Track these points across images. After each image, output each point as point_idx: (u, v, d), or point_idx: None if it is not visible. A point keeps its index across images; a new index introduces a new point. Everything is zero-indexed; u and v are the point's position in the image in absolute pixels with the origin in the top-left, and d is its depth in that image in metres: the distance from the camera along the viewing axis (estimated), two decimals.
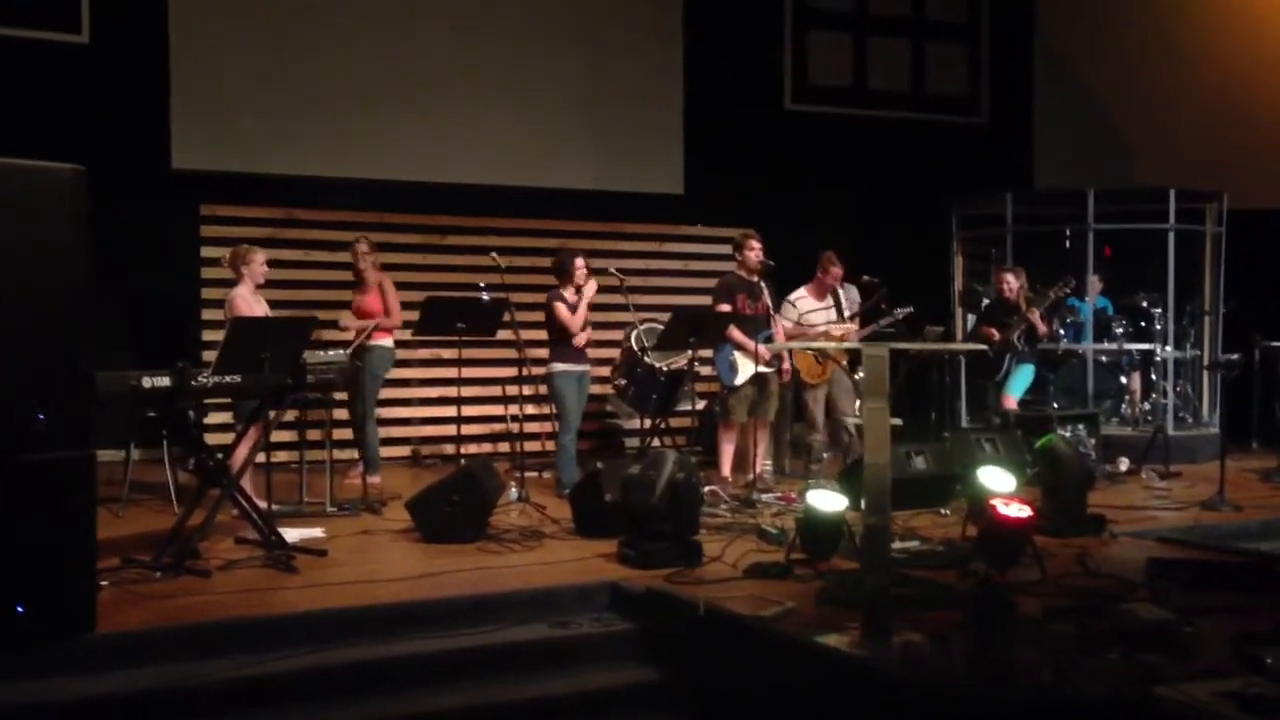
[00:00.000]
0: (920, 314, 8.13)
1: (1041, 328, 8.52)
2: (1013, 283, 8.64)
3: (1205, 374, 10.12)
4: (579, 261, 7.54)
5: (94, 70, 8.85)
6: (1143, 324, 9.80)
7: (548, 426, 7.94)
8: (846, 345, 7.70)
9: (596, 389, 8.10)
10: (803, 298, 8.03)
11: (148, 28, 9.01)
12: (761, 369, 7.61)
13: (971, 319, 10.12)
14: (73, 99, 8.70)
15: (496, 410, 8.95)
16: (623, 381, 8.40)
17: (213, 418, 7.80)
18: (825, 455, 8.16)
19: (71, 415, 4.19)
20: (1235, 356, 7.94)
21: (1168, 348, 9.72)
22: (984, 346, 8.30)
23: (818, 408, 7.96)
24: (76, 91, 8.74)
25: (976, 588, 3.76)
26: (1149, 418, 9.67)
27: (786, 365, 7.97)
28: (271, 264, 7.30)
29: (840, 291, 8.06)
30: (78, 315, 4.24)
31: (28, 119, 8.27)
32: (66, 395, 4.17)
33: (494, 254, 7.37)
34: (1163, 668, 3.58)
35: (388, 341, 7.89)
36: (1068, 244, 10.07)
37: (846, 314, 7.98)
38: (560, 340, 7.48)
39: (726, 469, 7.77)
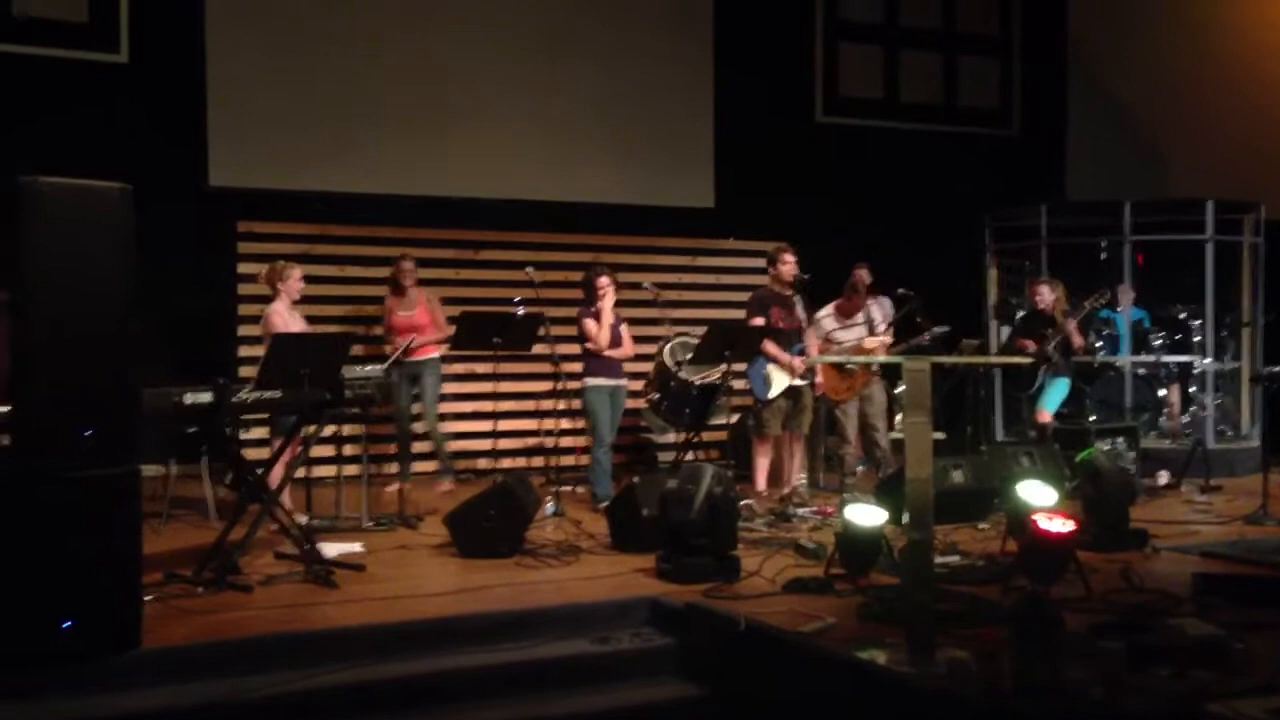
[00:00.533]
0: (955, 328, 8.09)
1: (1077, 340, 8.44)
2: (1047, 294, 8.56)
3: (1245, 386, 10.02)
4: (600, 280, 7.56)
5: (132, 89, 8.96)
6: (1178, 336, 9.71)
7: (581, 441, 7.96)
8: (878, 360, 7.66)
9: (630, 403, 8.10)
10: (828, 316, 8.00)
11: (185, 47, 9.12)
12: (795, 382, 7.59)
13: (1006, 331, 10.06)
14: (112, 117, 8.80)
15: (531, 425, 8.97)
16: (656, 395, 8.42)
17: (250, 433, 7.84)
18: (859, 469, 8.12)
19: (118, 431, 4.23)
20: (1279, 369, 7.84)
21: (1207, 360, 9.63)
22: (1026, 359, 8.23)
23: (849, 421, 7.92)
24: (115, 110, 8.84)
25: (1023, 603, 3.73)
26: (1188, 431, 9.57)
27: (820, 379, 7.96)
28: (305, 280, 7.35)
29: (875, 306, 8.03)
30: (124, 332, 4.28)
31: (68, 137, 8.38)
32: (113, 412, 4.21)
33: (529, 269, 7.39)
34: (1214, 684, 3.53)
35: (438, 354, 8.15)
36: (1103, 256, 9.99)
37: (880, 328, 7.95)
38: (592, 355, 7.51)
39: (761, 483, 7.75)
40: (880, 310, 8.08)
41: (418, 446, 8.59)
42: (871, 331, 7.93)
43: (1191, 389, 9.76)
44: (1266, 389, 8.65)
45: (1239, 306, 10.07)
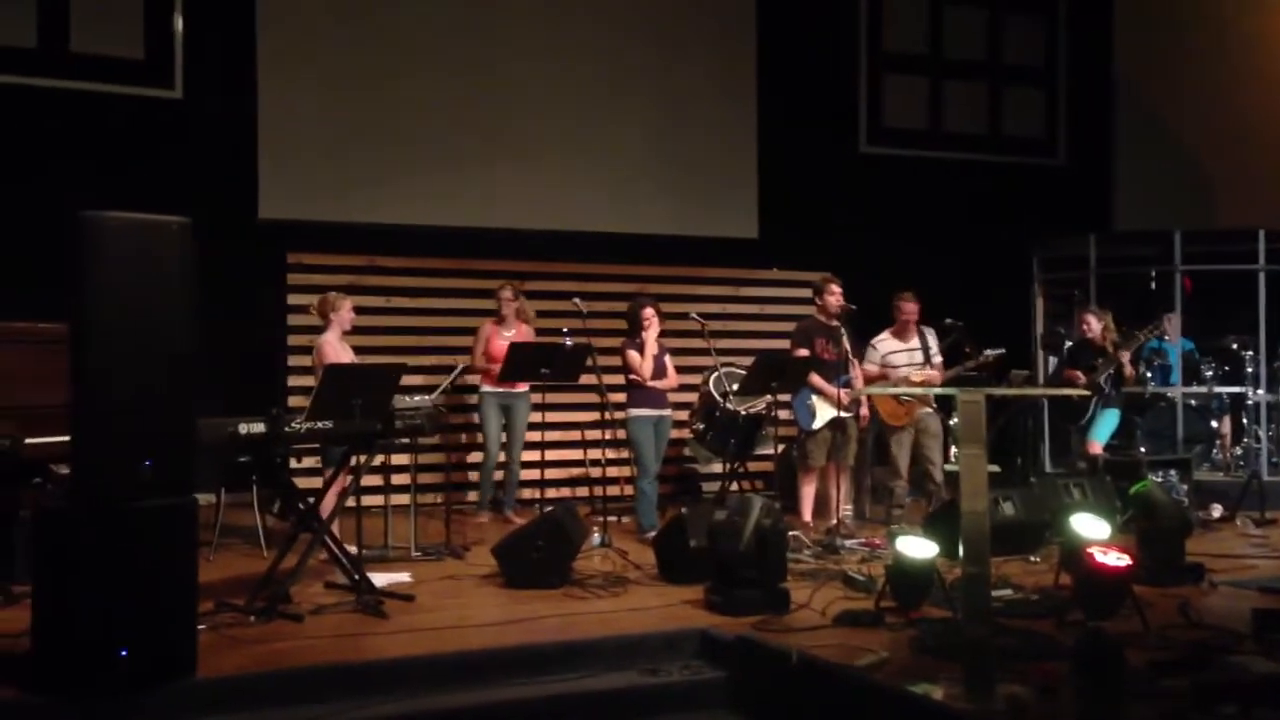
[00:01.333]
0: (1006, 359, 8.03)
1: (1130, 371, 8.36)
2: (1094, 324, 8.50)
3: None
4: (646, 312, 7.60)
5: (186, 124, 9.12)
6: (1227, 368, 9.58)
7: (626, 471, 7.96)
8: (930, 390, 7.61)
9: (674, 433, 8.09)
10: (884, 340, 8.01)
11: (237, 83, 9.27)
12: (840, 414, 7.55)
13: (1054, 362, 9.97)
14: (165, 151, 8.95)
15: (577, 455, 8.97)
16: (701, 426, 8.38)
17: (300, 462, 7.90)
18: (907, 501, 8.05)
19: (176, 462, 4.28)
20: None
21: (1260, 390, 9.49)
22: (1083, 391, 8.15)
23: (902, 452, 7.86)
24: (169, 144, 9.00)
25: (1085, 639, 3.67)
26: (1241, 463, 9.43)
27: (865, 411, 7.93)
28: (355, 310, 7.42)
29: (930, 335, 8.00)
30: (184, 364, 4.34)
31: (122, 171, 8.56)
32: (172, 442, 4.26)
33: (577, 299, 7.42)
34: None
35: (528, 386, 8.28)
36: (1153, 285, 9.90)
37: (936, 358, 7.91)
38: (636, 386, 7.54)
39: (807, 514, 7.72)
40: (933, 339, 8.04)
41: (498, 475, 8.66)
42: (927, 359, 7.89)
43: (1244, 421, 9.61)
44: None
45: None
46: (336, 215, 9.47)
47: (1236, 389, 9.47)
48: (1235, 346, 9.58)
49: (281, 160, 9.36)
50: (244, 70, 9.29)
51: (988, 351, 7.79)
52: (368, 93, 9.65)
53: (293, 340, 8.95)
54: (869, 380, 7.74)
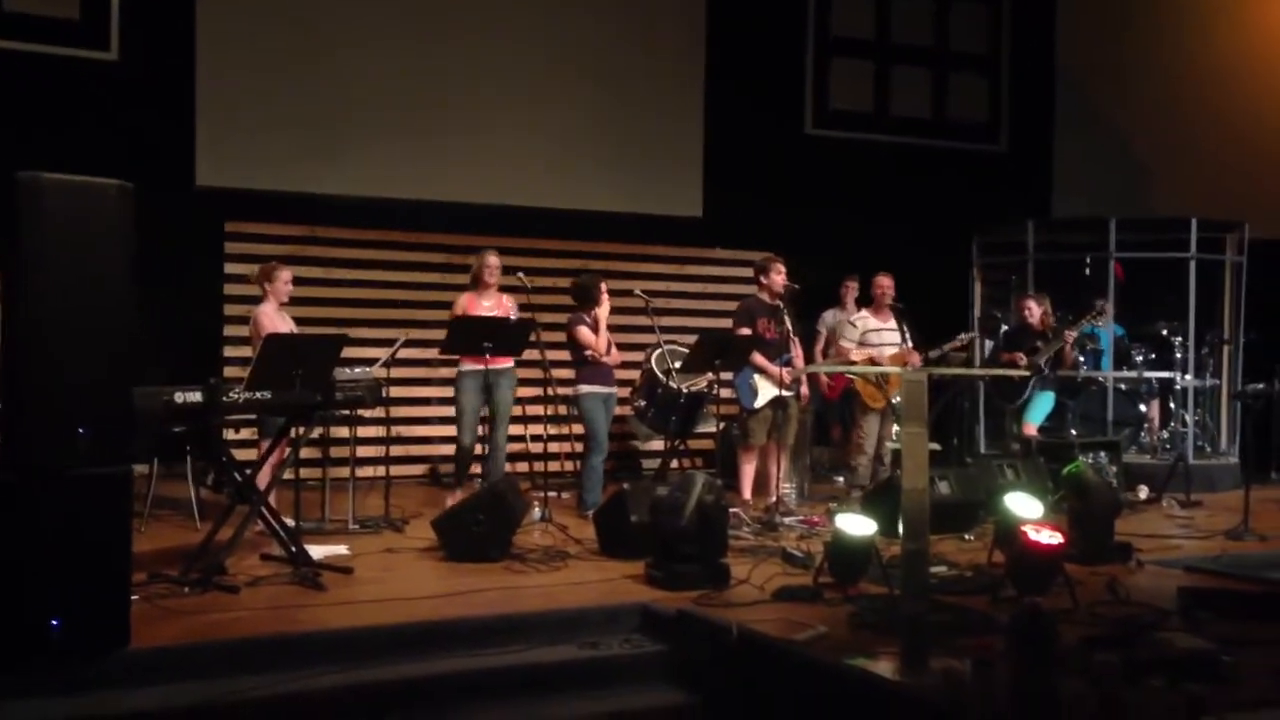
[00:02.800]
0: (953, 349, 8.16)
1: (1070, 355, 8.56)
2: (1035, 309, 8.65)
3: (1224, 403, 10.12)
4: (603, 286, 7.59)
5: (121, 86, 8.90)
6: (1154, 355, 9.79)
7: (568, 447, 7.94)
8: (870, 370, 7.69)
9: (616, 410, 8.09)
10: (864, 317, 8.10)
11: (175, 46, 9.06)
12: (781, 393, 7.61)
13: (990, 345, 10.12)
14: (100, 115, 8.74)
15: (517, 430, 8.94)
16: (642, 403, 8.40)
17: (237, 433, 7.80)
18: (839, 479, 8.14)
19: (112, 430, 4.20)
20: (1261, 386, 7.93)
21: (1188, 376, 9.71)
22: (1024, 371, 8.30)
23: (871, 433, 7.91)
24: (104, 108, 8.78)
25: (1021, 615, 3.74)
26: (1167, 446, 9.66)
27: (805, 390, 7.99)
28: (294, 281, 7.32)
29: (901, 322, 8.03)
30: (121, 331, 4.25)
31: (56, 133, 8.33)
32: (108, 410, 4.18)
33: (521, 274, 7.38)
34: (1207, 698, 3.56)
35: (512, 362, 7.54)
36: (1088, 272, 10.08)
37: (908, 341, 7.99)
38: (587, 362, 7.52)
39: (746, 492, 7.77)
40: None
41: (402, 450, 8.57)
42: (904, 338, 7.94)
43: (1171, 405, 9.84)
44: (1246, 406, 8.76)
45: (1220, 324, 10.17)
46: (276, 184, 9.30)
47: (1165, 374, 9.68)
48: (1165, 333, 9.78)
49: (220, 127, 9.17)
50: (182, 33, 9.07)
51: (962, 335, 7.91)
52: (311, 63, 9.48)
53: (230, 310, 8.82)
54: (844, 356, 7.80)
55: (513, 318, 7.42)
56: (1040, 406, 8.58)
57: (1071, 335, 8.39)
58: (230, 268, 8.87)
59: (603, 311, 7.55)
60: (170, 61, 9.07)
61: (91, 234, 4.15)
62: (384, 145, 9.60)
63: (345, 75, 9.57)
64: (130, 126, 8.75)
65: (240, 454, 7.30)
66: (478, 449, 7.59)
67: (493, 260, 7.52)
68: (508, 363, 7.44)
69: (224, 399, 5.36)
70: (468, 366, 7.32)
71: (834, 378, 8.58)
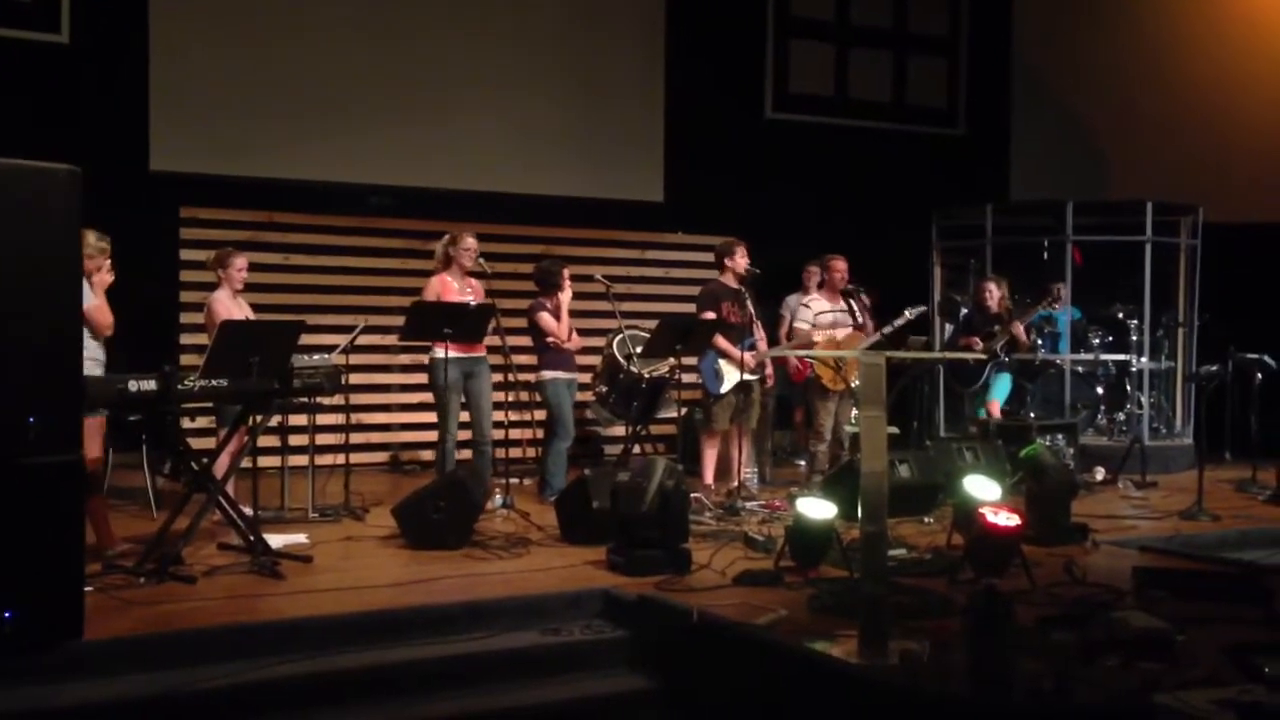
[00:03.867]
0: (903, 325, 8.17)
1: (1024, 340, 8.62)
2: (995, 292, 8.73)
3: (1180, 385, 10.24)
4: (565, 272, 7.57)
5: (73, 70, 8.75)
6: (1111, 337, 9.88)
7: (529, 433, 7.92)
8: (831, 354, 7.71)
9: (578, 396, 8.08)
10: (816, 299, 8.11)
11: (128, 28, 8.91)
12: (746, 377, 7.62)
13: (949, 329, 10.18)
14: (51, 98, 8.59)
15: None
16: (604, 388, 8.40)
17: (193, 422, 7.71)
18: (800, 463, 8.17)
19: (62, 419, 4.13)
20: (1214, 368, 8.03)
21: (1143, 359, 9.82)
22: (979, 355, 8.37)
23: (828, 418, 7.94)
24: (55, 91, 8.63)
25: (978, 596, 3.77)
26: (1123, 428, 9.77)
27: (770, 373, 8.01)
28: (251, 267, 7.23)
29: (859, 300, 8.04)
30: (70, 317, 4.18)
31: (6, 118, 8.17)
32: (58, 399, 4.11)
33: (481, 259, 7.33)
34: (1160, 676, 3.61)
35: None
36: (1045, 255, 10.16)
37: (860, 319, 8.02)
38: (550, 348, 7.49)
39: (709, 477, 7.78)
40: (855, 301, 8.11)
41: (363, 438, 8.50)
42: (855, 320, 7.96)
43: (1127, 387, 9.94)
44: (1200, 388, 8.87)
45: (1175, 307, 10.29)
46: (233, 169, 9.19)
47: (1121, 357, 9.78)
48: (1121, 315, 9.88)
49: (174, 111, 9.03)
50: (135, 15, 8.92)
51: (908, 311, 7.92)
52: (268, 46, 9.37)
53: (186, 297, 8.71)
54: (800, 339, 7.80)
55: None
56: (1000, 387, 8.67)
57: (1018, 326, 8.49)
58: (186, 254, 8.75)
59: (565, 297, 7.52)
60: (123, 44, 8.92)
61: (41, 219, 4.06)
62: (343, 130, 9.50)
63: (304, 59, 9.46)
64: (82, 110, 8.62)
65: (198, 442, 7.25)
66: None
67: (470, 241, 7.19)
68: (480, 350, 7.20)
69: (179, 387, 5.28)
70: (450, 354, 6.91)
71: (802, 360, 8.60)
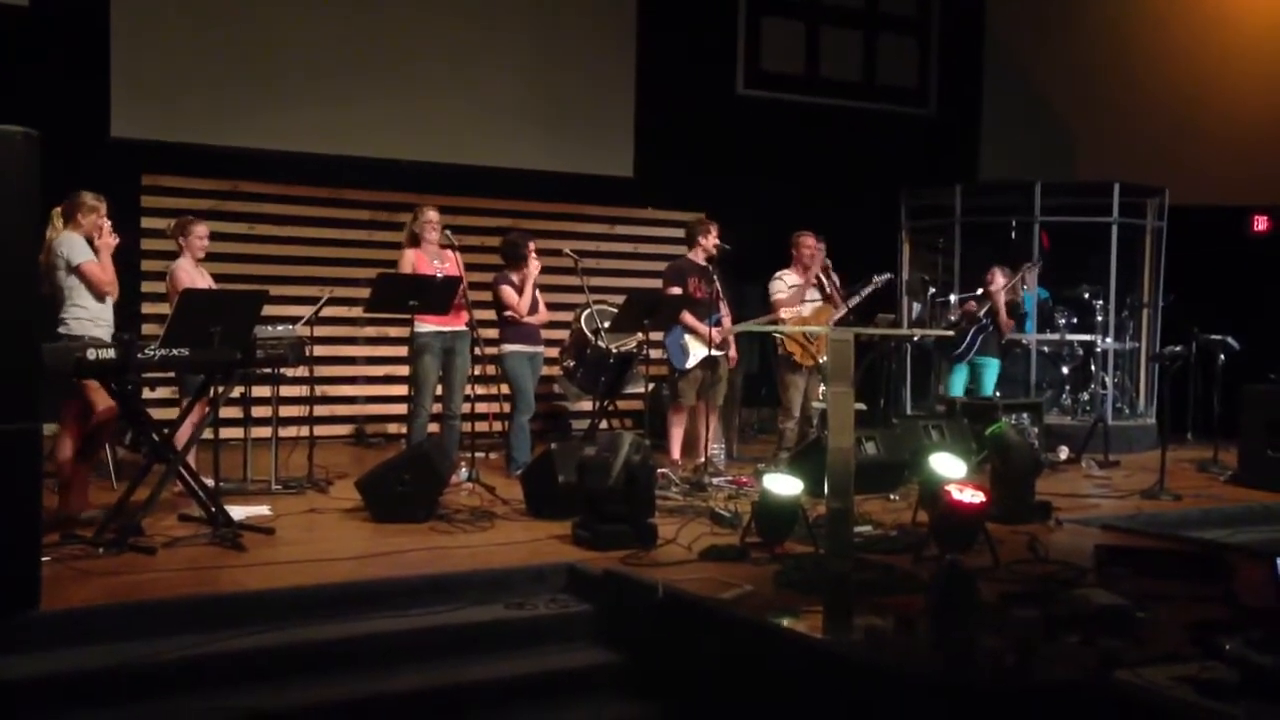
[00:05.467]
0: (871, 302, 8.19)
1: (1005, 319, 8.79)
2: (1000, 279, 8.88)
3: (1143, 366, 10.33)
4: (531, 246, 7.50)
5: (33, 35, 8.56)
6: (1076, 319, 9.95)
7: (495, 407, 7.89)
8: (807, 330, 7.72)
9: (545, 370, 8.04)
10: (789, 274, 8.08)
11: None
12: (712, 353, 7.61)
13: (917, 308, 10.22)
14: (9, 62, 8.40)
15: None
16: (571, 363, 8.37)
17: (154, 392, 7.63)
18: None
19: (18, 386, 4.05)
20: (1178, 349, 8.09)
21: (1108, 339, 9.89)
22: (950, 333, 8.44)
23: (796, 394, 7.93)
24: (14, 57, 8.44)
25: (942, 573, 3.78)
26: (1087, 408, 9.85)
27: (734, 352, 8.00)
28: (215, 237, 7.14)
29: (830, 276, 8.04)
30: (26, 284, 4.10)
31: None
32: (14, 366, 4.03)
33: (447, 231, 7.25)
34: (1120, 652, 3.63)
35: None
36: (1013, 235, 10.20)
37: (830, 295, 8.02)
38: (510, 322, 7.44)
39: (676, 452, 7.77)
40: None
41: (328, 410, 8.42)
42: (824, 297, 7.96)
43: (1092, 367, 10.02)
44: (1163, 369, 8.96)
45: (1140, 288, 10.37)
46: (196, 137, 9.04)
47: (1086, 337, 9.85)
48: (1087, 296, 9.94)
49: (136, 77, 8.88)
50: None
51: (876, 278, 7.94)
52: (233, 12, 9.22)
53: (147, 265, 8.58)
54: (779, 310, 7.85)
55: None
56: (989, 375, 8.81)
57: (1000, 298, 8.60)
58: (147, 222, 8.62)
59: (532, 271, 7.46)
60: (85, 8, 8.75)
61: None
62: (310, 99, 9.37)
63: (270, 27, 9.33)
64: (42, 76, 8.44)
65: (160, 413, 7.15)
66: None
67: (432, 215, 7.14)
68: (461, 324, 7.12)
69: (139, 356, 5.20)
70: (428, 328, 6.90)
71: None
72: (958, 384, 9.02)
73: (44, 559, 4.50)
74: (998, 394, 9.06)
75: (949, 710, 3.44)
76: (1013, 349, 9.69)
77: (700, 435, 7.73)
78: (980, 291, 9.08)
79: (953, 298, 9.82)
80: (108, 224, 5.92)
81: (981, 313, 8.59)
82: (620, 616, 4.76)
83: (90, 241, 5.90)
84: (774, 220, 9.19)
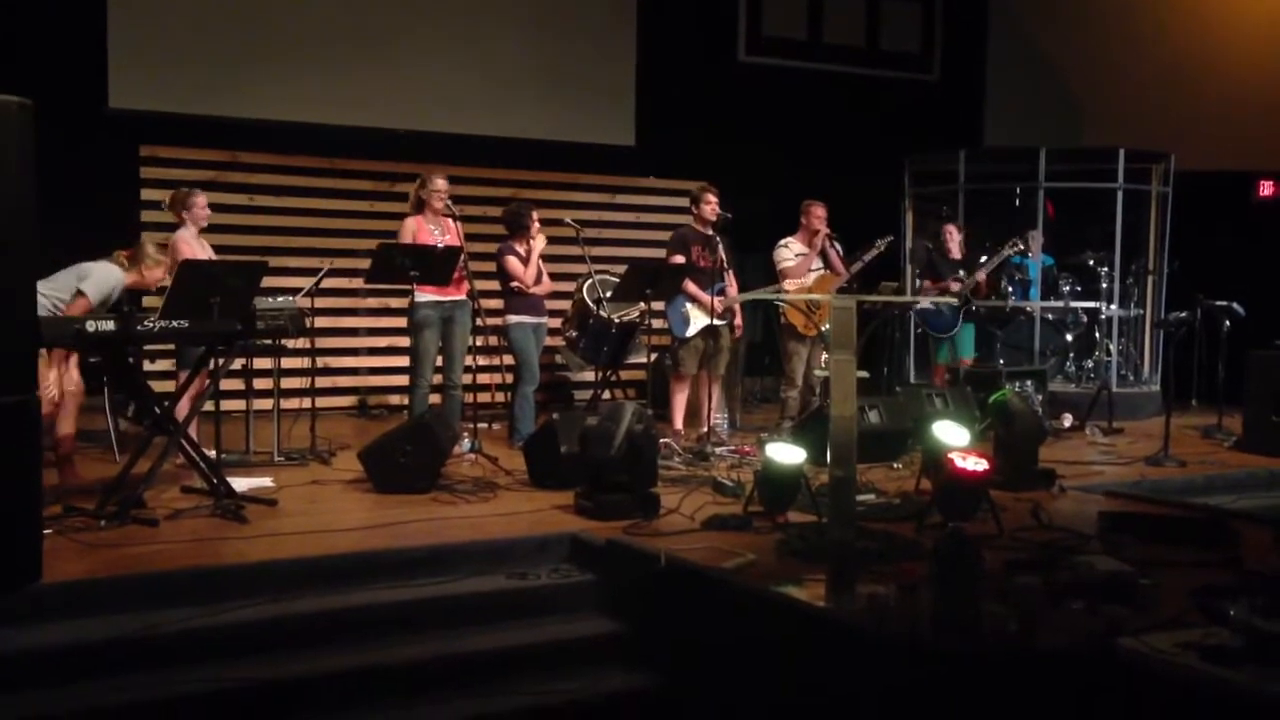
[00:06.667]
0: (875, 269, 8.15)
1: (983, 288, 8.76)
2: (955, 235, 8.87)
3: (1148, 332, 10.29)
4: (535, 215, 7.47)
5: (29, 3, 8.49)
6: (1080, 288, 9.90)
7: (498, 378, 7.87)
8: (809, 297, 7.69)
9: (547, 340, 8.02)
10: (794, 242, 8.07)
11: None
12: (714, 322, 7.58)
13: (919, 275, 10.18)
14: (7, 34, 8.34)
15: None
16: (574, 333, 8.33)
17: (156, 364, 7.62)
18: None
19: (16, 358, 4.03)
20: (1183, 315, 8.06)
21: (1113, 306, 9.85)
22: (953, 300, 8.41)
23: (799, 363, 7.91)
24: (10, 26, 8.38)
25: (946, 540, 3.77)
26: (1091, 375, 9.81)
27: (739, 321, 7.97)
28: (214, 208, 7.11)
29: (834, 247, 8.01)
30: (23, 256, 4.07)
31: None
32: (11, 338, 4.01)
33: (448, 201, 7.21)
34: (1124, 619, 3.62)
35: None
36: (1017, 202, 10.13)
37: (834, 265, 7.99)
38: (515, 292, 7.41)
39: (678, 422, 7.76)
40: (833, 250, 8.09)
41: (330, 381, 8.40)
42: (826, 266, 7.93)
43: (1096, 334, 9.98)
44: (1168, 335, 8.93)
45: (1145, 254, 10.31)
46: (195, 108, 8.98)
47: (1091, 304, 9.80)
48: (1092, 263, 9.88)
49: (134, 47, 8.82)
50: None
51: (879, 242, 7.91)
52: None
53: (146, 237, 8.51)
54: (787, 277, 7.87)
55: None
56: (966, 341, 8.78)
57: (982, 275, 8.55)
58: (146, 194, 8.58)
59: (536, 243, 7.42)
60: None
61: None
62: (310, 68, 9.31)
63: None
64: (39, 46, 8.38)
65: (161, 385, 7.15)
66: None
67: (440, 183, 7.05)
68: (462, 294, 7.07)
69: (139, 328, 5.18)
70: (427, 297, 6.84)
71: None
72: (944, 354, 9.02)
73: (46, 531, 4.50)
74: (1002, 361, 9.05)
75: (952, 678, 3.43)
76: (1015, 316, 9.65)
77: (703, 405, 7.71)
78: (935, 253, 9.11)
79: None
80: (162, 268, 6.19)
81: (968, 293, 8.57)
82: (623, 586, 4.75)
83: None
84: (776, 188, 9.16)
